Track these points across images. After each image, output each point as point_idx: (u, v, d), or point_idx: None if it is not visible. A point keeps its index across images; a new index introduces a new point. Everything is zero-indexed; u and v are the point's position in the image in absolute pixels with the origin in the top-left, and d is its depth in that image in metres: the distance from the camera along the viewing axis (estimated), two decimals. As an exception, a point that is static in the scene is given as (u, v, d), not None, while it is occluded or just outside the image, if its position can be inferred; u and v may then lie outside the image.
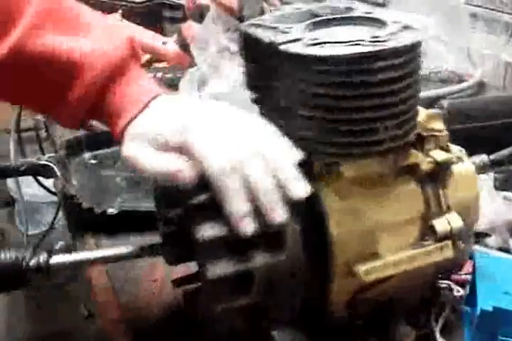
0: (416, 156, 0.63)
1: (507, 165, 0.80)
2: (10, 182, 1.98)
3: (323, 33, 0.60)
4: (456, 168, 0.65)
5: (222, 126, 0.59)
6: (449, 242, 0.63)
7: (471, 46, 1.34)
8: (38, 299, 1.94)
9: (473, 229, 0.69)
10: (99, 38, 0.64)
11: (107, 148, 1.01)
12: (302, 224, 0.59)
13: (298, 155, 0.58)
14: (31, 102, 0.69)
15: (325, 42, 0.56)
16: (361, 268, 0.59)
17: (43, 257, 0.63)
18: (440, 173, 0.64)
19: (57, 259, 0.64)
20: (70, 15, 0.66)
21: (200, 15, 1.29)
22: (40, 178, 1.08)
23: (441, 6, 1.15)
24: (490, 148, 0.89)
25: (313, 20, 0.63)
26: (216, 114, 0.61)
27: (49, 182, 1.11)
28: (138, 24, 1.37)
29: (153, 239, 0.67)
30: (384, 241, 0.61)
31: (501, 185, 0.91)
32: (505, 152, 0.88)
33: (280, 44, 0.57)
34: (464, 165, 0.66)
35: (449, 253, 0.63)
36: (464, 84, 1.21)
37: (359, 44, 0.55)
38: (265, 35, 0.60)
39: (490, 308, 0.63)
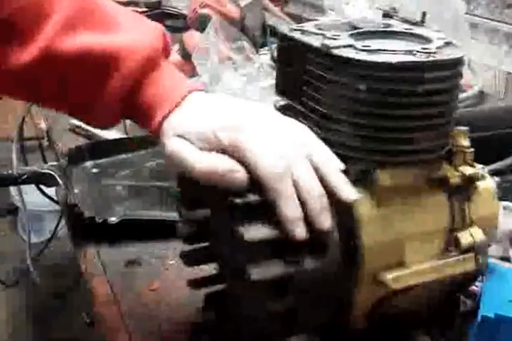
0: (446, 170, 0.64)
1: (508, 174, 0.80)
2: (12, 190, 1.99)
3: (371, 42, 0.60)
4: (479, 184, 0.66)
5: (271, 127, 0.58)
6: (472, 255, 0.64)
7: (472, 56, 1.35)
8: (39, 308, 1.94)
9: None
10: (130, 32, 0.64)
11: (108, 157, 1.01)
12: (339, 231, 0.59)
13: (341, 161, 0.58)
14: (64, 103, 0.67)
15: (377, 50, 0.57)
16: (388, 277, 0.60)
17: None
18: (467, 188, 0.65)
19: None
20: (99, 11, 0.64)
21: (201, 24, 1.30)
22: (42, 187, 1.09)
23: (442, 16, 1.15)
24: (492, 158, 0.89)
25: (357, 30, 0.64)
26: (263, 114, 0.60)
27: (51, 191, 1.11)
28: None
29: (156, 247, 0.67)
30: (410, 250, 0.62)
31: (502, 195, 0.91)
32: (506, 162, 0.89)
33: (333, 48, 0.57)
34: (487, 181, 0.68)
35: (471, 265, 0.64)
36: (464, 95, 1.22)
37: (411, 53, 0.56)
38: (313, 40, 0.60)
39: (492, 315, 0.63)
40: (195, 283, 0.69)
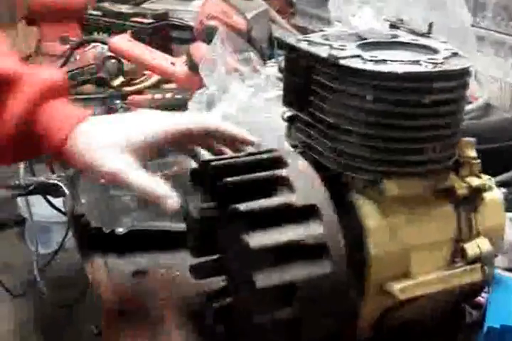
0: (453, 180, 0.64)
1: (513, 185, 0.80)
2: (19, 201, 1.99)
3: (378, 53, 0.61)
4: (486, 195, 0.66)
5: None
6: (479, 266, 0.64)
7: (478, 68, 1.35)
8: (47, 319, 1.94)
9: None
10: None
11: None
12: (346, 239, 0.59)
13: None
14: None
15: (384, 60, 0.57)
16: (394, 287, 0.60)
17: None
18: (474, 199, 0.65)
19: None
20: None
21: (208, 36, 1.30)
22: (50, 198, 1.09)
23: (448, 28, 1.16)
24: (499, 170, 0.89)
25: (363, 41, 0.64)
26: None
27: (58, 202, 1.12)
28: (147, 45, 1.38)
29: (163, 258, 0.68)
30: (417, 261, 0.62)
31: (507, 206, 0.91)
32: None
33: (340, 58, 0.58)
34: (494, 192, 0.68)
35: (477, 276, 0.64)
36: (470, 106, 1.21)
37: (418, 64, 0.57)
38: (320, 50, 0.60)
39: (497, 326, 0.63)
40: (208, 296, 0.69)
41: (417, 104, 0.56)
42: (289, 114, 0.70)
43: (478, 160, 0.67)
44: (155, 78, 1.40)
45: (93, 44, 1.37)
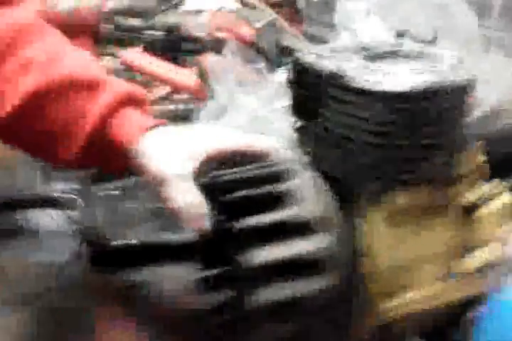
0: (458, 190, 0.65)
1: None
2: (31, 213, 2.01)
3: (384, 65, 0.63)
4: (489, 206, 0.67)
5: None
6: (481, 277, 0.65)
7: (487, 71, 1.36)
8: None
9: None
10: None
11: (128, 178, 1.03)
12: (351, 251, 0.61)
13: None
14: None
15: (389, 73, 0.59)
16: (396, 299, 0.61)
17: None
18: (476, 209, 0.66)
19: None
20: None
21: (218, 47, 1.32)
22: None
23: (454, 32, 1.16)
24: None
25: (369, 53, 0.66)
26: None
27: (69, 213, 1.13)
28: (159, 57, 1.40)
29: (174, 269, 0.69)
30: (418, 272, 0.63)
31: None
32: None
33: (346, 72, 0.59)
34: (496, 203, 0.68)
35: (478, 287, 0.65)
36: (479, 111, 1.22)
37: (422, 74, 0.59)
38: (327, 64, 0.62)
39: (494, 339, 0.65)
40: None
41: (422, 114, 0.58)
42: (297, 124, 0.71)
43: (484, 169, 0.67)
44: (166, 89, 1.42)
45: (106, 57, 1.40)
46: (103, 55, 1.43)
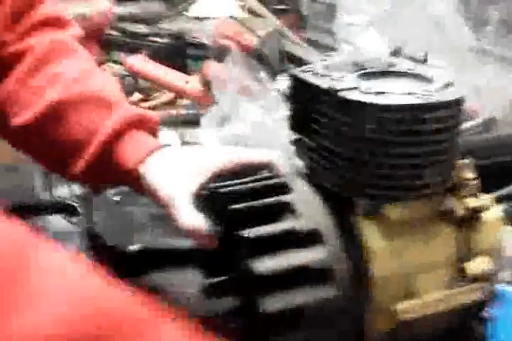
0: (452, 202, 0.67)
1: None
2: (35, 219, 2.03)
3: (375, 84, 0.64)
4: (486, 215, 0.69)
5: None
6: (479, 284, 0.67)
7: (481, 83, 1.38)
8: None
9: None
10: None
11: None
12: (351, 261, 0.62)
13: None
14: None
15: (380, 92, 0.60)
16: (399, 307, 0.63)
17: None
18: (472, 219, 0.68)
19: None
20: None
21: (222, 55, 1.35)
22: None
23: (449, 46, 1.19)
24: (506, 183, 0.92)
25: (362, 71, 0.67)
26: None
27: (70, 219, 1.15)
28: (163, 63, 1.43)
29: (177, 276, 0.70)
30: (420, 281, 0.64)
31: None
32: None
33: (338, 91, 0.61)
34: (492, 211, 0.70)
35: (478, 294, 0.67)
36: (474, 122, 1.24)
37: (412, 95, 0.60)
38: (321, 82, 0.64)
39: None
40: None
41: (412, 133, 0.60)
42: (294, 137, 0.73)
43: (476, 181, 0.69)
44: (170, 95, 1.45)
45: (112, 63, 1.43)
46: (109, 60, 1.46)
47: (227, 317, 0.68)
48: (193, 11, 1.84)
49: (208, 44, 1.45)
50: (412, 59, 0.74)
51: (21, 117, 0.75)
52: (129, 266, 0.88)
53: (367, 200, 0.63)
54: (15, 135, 0.77)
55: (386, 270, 0.63)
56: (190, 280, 0.83)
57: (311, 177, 0.68)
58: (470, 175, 0.69)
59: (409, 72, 0.68)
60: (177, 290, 0.78)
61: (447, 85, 0.64)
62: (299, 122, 0.70)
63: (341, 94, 0.61)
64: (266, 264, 0.58)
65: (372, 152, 0.61)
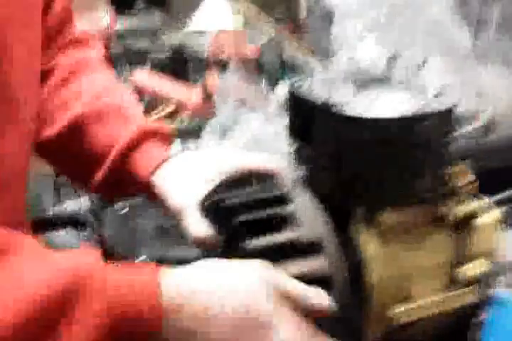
0: (447, 207, 0.68)
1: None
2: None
3: (369, 96, 0.66)
4: (479, 220, 0.69)
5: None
6: (476, 287, 0.67)
7: (482, 85, 1.39)
8: None
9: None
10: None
11: (137, 197, 1.07)
12: (348, 266, 0.64)
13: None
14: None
15: (373, 105, 0.63)
16: (396, 310, 0.64)
17: None
18: (468, 224, 0.68)
19: None
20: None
21: (221, 66, 1.37)
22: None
23: (448, 49, 1.19)
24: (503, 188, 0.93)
25: (357, 83, 0.69)
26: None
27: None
28: (165, 76, 1.45)
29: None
30: (417, 285, 0.65)
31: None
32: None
33: (333, 105, 0.63)
34: (488, 216, 0.70)
35: (475, 297, 0.67)
36: (474, 125, 1.25)
37: (404, 106, 0.62)
38: (318, 95, 0.66)
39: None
40: None
41: (406, 143, 0.61)
42: (293, 146, 0.75)
43: (472, 186, 0.70)
44: (172, 107, 1.46)
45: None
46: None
47: None
48: (193, 24, 1.86)
49: (208, 56, 1.47)
50: (408, 67, 0.74)
51: (48, 131, 0.81)
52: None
53: (363, 208, 0.65)
54: (42, 147, 0.81)
55: (383, 274, 0.64)
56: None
57: (310, 185, 0.70)
58: (466, 180, 0.70)
59: (405, 80, 0.69)
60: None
61: (439, 94, 0.65)
62: (297, 133, 0.71)
63: (336, 108, 0.63)
64: None
65: (367, 162, 0.62)
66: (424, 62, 0.78)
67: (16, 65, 0.67)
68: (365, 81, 0.70)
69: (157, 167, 0.76)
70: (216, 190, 0.73)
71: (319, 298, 0.58)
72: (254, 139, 1.02)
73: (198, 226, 0.70)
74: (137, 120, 0.80)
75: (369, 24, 1.12)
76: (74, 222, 1.03)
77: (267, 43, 1.60)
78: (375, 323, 0.65)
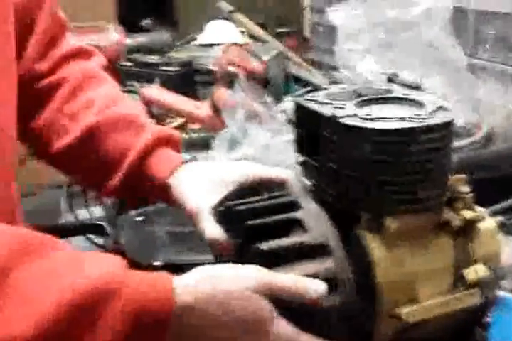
0: (448, 214, 0.72)
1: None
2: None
3: (372, 110, 0.70)
4: (481, 225, 0.73)
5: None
6: (478, 290, 0.71)
7: (480, 98, 1.43)
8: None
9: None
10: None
11: (151, 204, 1.12)
12: (355, 273, 0.68)
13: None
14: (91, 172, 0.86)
15: (376, 118, 0.67)
16: (403, 311, 0.67)
17: None
18: (468, 229, 0.72)
19: None
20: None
21: (230, 81, 1.42)
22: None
23: (444, 65, 1.24)
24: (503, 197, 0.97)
25: (360, 98, 0.74)
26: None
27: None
28: (174, 90, 1.50)
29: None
30: (422, 287, 0.69)
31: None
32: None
33: (340, 117, 0.67)
34: (487, 222, 0.74)
35: (478, 299, 0.71)
36: (473, 138, 1.29)
37: (404, 120, 0.66)
38: (323, 110, 0.70)
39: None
40: None
41: (405, 154, 0.66)
42: (300, 159, 0.79)
43: (471, 194, 0.74)
44: (181, 120, 1.52)
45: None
46: (124, 92, 1.52)
47: None
48: (200, 39, 1.92)
49: (216, 70, 1.52)
50: (407, 85, 0.80)
51: (61, 142, 0.84)
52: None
53: (368, 214, 0.69)
54: (55, 158, 0.86)
55: (389, 277, 0.68)
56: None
57: (317, 194, 0.74)
58: (465, 188, 0.74)
59: (403, 98, 0.74)
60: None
61: (438, 109, 0.70)
62: (303, 145, 0.76)
63: (342, 120, 0.67)
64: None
65: (371, 171, 0.67)
66: (421, 79, 0.83)
67: None
68: (367, 98, 0.74)
69: (174, 169, 0.80)
70: (228, 197, 0.76)
71: (307, 286, 0.64)
72: (262, 152, 1.06)
73: (213, 229, 0.74)
74: (149, 127, 0.84)
75: (370, 44, 1.18)
76: (90, 228, 1.07)
77: (272, 58, 1.65)
78: (383, 324, 0.69)
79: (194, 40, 1.92)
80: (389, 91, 0.76)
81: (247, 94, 1.27)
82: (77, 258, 0.60)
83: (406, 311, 0.68)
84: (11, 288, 0.53)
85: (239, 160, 1.08)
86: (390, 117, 0.67)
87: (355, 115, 0.68)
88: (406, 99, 0.74)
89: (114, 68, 1.64)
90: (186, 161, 0.83)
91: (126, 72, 1.63)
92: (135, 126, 0.84)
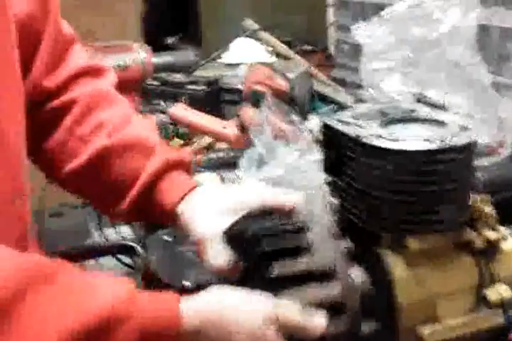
0: (470, 234, 0.72)
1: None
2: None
3: (397, 130, 0.71)
4: (503, 246, 0.74)
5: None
6: (501, 310, 0.71)
7: (505, 117, 1.43)
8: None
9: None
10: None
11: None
12: (376, 288, 0.69)
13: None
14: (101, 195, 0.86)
15: (400, 139, 0.68)
16: (425, 331, 0.68)
17: None
18: (491, 250, 0.73)
19: None
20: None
21: (256, 100, 1.43)
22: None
23: (469, 85, 1.24)
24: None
25: (385, 119, 0.75)
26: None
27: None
28: (201, 109, 1.52)
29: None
30: (443, 307, 0.70)
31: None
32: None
33: (365, 138, 0.69)
34: (510, 243, 0.75)
35: (500, 320, 0.71)
36: (497, 157, 1.28)
37: (427, 141, 0.67)
38: (349, 130, 0.71)
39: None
40: None
41: (429, 174, 0.67)
42: (328, 179, 0.80)
43: (494, 215, 0.75)
44: (208, 139, 1.53)
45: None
46: (151, 110, 1.55)
47: None
48: (226, 58, 1.94)
49: (242, 89, 1.53)
50: (432, 105, 0.80)
51: (72, 164, 0.84)
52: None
53: (390, 234, 0.70)
54: (66, 180, 0.86)
55: (410, 297, 0.69)
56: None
57: (343, 213, 0.75)
58: (487, 209, 0.75)
59: (427, 118, 0.75)
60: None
61: (461, 130, 0.70)
62: (331, 165, 0.77)
63: (367, 140, 0.68)
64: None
65: (395, 191, 0.68)
66: (447, 98, 0.83)
67: None
68: (391, 118, 0.75)
69: (183, 197, 0.80)
70: (238, 222, 0.77)
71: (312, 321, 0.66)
72: (289, 170, 1.07)
73: (218, 257, 0.75)
74: (160, 150, 0.84)
75: (395, 62, 1.18)
76: (120, 249, 1.09)
77: (298, 77, 1.66)
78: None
79: (219, 58, 1.94)
80: (413, 111, 0.78)
81: (274, 113, 1.28)
82: (89, 284, 0.63)
83: (428, 331, 0.68)
84: (24, 316, 0.57)
85: (266, 180, 1.09)
86: (413, 137, 0.68)
87: (378, 135, 0.69)
88: (430, 120, 0.75)
89: (140, 87, 1.67)
90: (196, 185, 0.82)
91: (152, 90, 1.65)
92: (144, 149, 0.83)
